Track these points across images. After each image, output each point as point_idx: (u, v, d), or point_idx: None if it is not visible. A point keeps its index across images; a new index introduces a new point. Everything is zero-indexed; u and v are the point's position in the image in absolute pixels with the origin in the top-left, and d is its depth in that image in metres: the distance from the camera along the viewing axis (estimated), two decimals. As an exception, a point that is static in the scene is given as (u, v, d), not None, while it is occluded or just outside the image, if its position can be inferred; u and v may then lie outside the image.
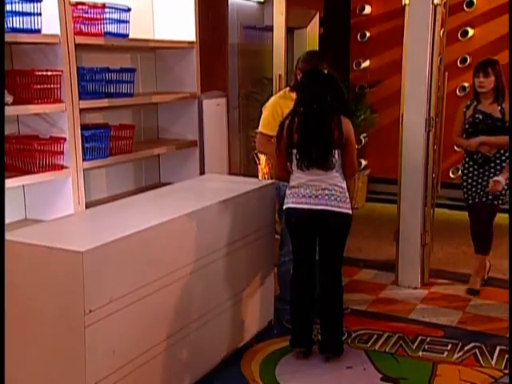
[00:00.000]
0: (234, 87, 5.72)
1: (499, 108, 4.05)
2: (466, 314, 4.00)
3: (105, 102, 3.56)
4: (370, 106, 6.52)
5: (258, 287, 3.58)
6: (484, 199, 4.16)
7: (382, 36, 6.90)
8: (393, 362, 3.39)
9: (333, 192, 3.21)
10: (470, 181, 4.20)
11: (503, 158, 4.09)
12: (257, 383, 3.17)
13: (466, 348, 3.51)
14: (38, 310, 2.45)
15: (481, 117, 4.08)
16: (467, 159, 4.22)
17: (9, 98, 3.00)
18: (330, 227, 3.26)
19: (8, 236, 2.44)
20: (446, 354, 3.46)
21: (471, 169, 4.20)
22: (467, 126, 4.14)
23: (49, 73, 3.16)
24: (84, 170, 3.40)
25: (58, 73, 3.19)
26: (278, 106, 3.66)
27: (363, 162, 6.82)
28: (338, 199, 3.21)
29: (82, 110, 3.35)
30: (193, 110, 4.29)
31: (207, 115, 4.33)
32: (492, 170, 4.12)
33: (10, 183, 2.96)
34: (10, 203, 3.23)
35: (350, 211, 3.26)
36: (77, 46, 3.26)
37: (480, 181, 4.16)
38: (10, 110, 2.98)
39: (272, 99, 3.80)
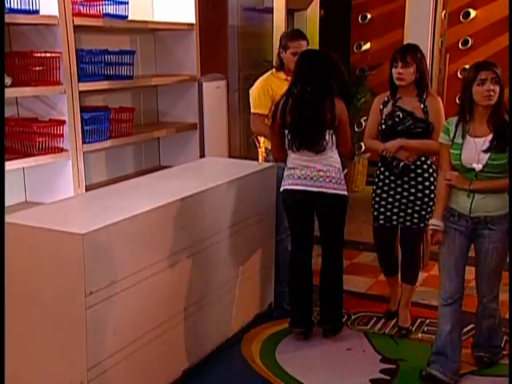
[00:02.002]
0: (233, 70, 5.68)
1: (422, 106, 3.27)
2: (466, 296, 4.00)
3: (104, 85, 3.54)
4: (370, 89, 6.47)
5: (258, 270, 3.59)
6: (408, 223, 3.38)
7: (383, 18, 6.84)
8: (392, 344, 3.41)
9: (327, 173, 3.21)
10: (384, 195, 3.38)
11: (425, 166, 3.33)
12: (257, 364, 3.19)
13: (465, 330, 3.52)
14: (39, 292, 2.46)
15: (401, 115, 3.27)
16: (382, 169, 3.39)
17: (7, 80, 2.98)
18: (327, 209, 3.26)
19: (8, 218, 2.44)
20: (445, 335, 3.48)
21: (387, 181, 3.37)
22: (384, 127, 3.32)
23: (48, 54, 3.15)
24: (84, 152, 3.39)
25: (57, 54, 3.17)
26: (266, 84, 3.72)
27: (364, 146, 6.80)
28: (334, 181, 3.22)
29: (81, 93, 3.34)
30: (193, 92, 4.28)
31: (207, 98, 4.31)
32: (412, 183, 3.33)
33: (9, 166, 2.96)
34: (10, 186, 3.23)
35: (345, 192, 3.28)
36: (75, 27, 3.24)
37: (398, 197, 3.36)
38: (8, 92, 2.96)
39: (258, 81, 3.81)
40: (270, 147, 3.76)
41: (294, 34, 3.76)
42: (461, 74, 6.47)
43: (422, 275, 4.34)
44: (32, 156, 3.14)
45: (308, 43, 3.66)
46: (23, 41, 3.21)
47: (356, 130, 6.63)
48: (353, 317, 3.70)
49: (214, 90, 4.40)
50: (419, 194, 3.34)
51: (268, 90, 3.68)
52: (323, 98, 3.16)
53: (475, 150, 2.80)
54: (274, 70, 3.81)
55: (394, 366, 3.18)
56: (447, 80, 4.51)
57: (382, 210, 3.41)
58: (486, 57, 5.99)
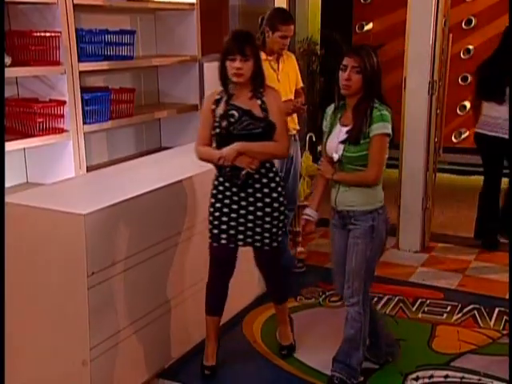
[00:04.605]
0: (235, 50, 5.63)
1: (259, 103, 2.72)
2: (466, 276, 4.03)
3: (104, 65, 3.52)
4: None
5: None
6: (258, 244, 2.82)
7: (386, -3, 6.77)
8: (393, 324, 3.42)
9: None
10: (226, 210, 2.75)
11: (270, 174, 2.78)
12: (258, 344, 3.22)
13: (465, 310, 3.54)
14: (41, 273, 2.47)
15: (236, 115, 2.71)
16: (220, 179, 2.77)
17: (7, 60, 2.96)
18: None
19: (10, 199, 2.45)
20: (445, 315, 3.50)
21: (228, 193, 2.75)
22: (218, 130, 2.73)
23: (47, 34, 3.12)
24: (84, 133, 3.38)
25: (57, 34, 3.15)
26: None
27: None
28: None
29: (81, 73, 3.32)
30: (193, 73, 4.25)
31: (208, 79, 4.28)
32: (258, 195, 2.75)
33: (10, 146, 2.96)
34: (11, 167, 3.23)
35: None
36: (75, 6, 3.21)
37: (243, 212, 2.75)
38: (8, 72, 2.94)
39: None
40: None
41: (286, 18, 3.66)
42: (464, 54, 6.43)
43: (422, 256, 4.37)
44: (33, 136, 3.13)
45: (294, 24, 3.67)
46: (23, 20, 3.19)
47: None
48: (353, 297, 3.72)
49: (215, 71, 4.33)
50: (267, 209, 2.77)
51: None
52: None
53: (336, 140, 2.61)
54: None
55: (394, 346, 3.20)
56: (450, 60, 4.46)
57: (224, 227, 2.77)
58: (489, 37, 5.96)
